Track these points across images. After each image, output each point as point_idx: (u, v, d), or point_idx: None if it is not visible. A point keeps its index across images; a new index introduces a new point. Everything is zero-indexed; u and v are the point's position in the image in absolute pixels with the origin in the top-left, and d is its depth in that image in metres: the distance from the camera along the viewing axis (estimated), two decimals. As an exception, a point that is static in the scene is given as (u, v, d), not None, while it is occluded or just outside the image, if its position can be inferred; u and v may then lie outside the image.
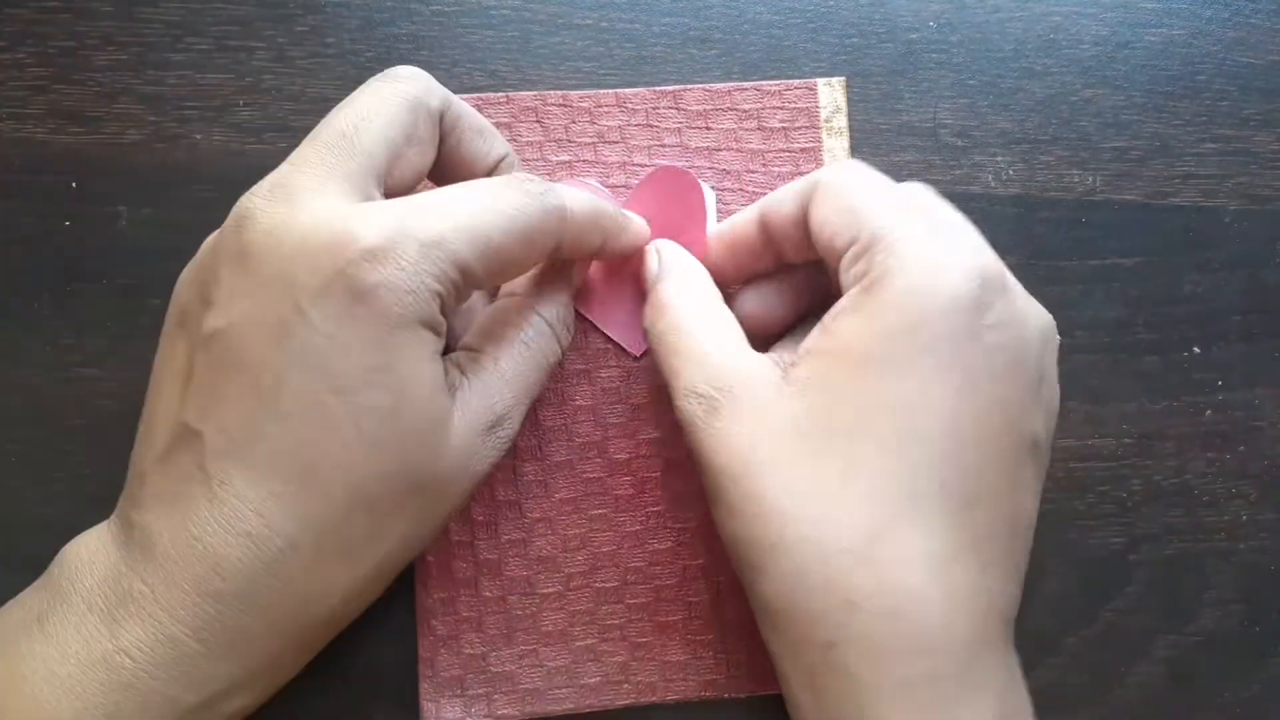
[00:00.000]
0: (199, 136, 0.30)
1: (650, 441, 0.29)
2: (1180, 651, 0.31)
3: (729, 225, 0.28)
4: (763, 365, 0.24)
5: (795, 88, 0.31)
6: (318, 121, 0.24)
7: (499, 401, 0.24)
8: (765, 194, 0.30)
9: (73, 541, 0.23)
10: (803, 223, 0.25)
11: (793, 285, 0.28)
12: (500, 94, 0.30)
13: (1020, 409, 0.23)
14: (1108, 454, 0.31)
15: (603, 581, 0.29)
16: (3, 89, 0.30)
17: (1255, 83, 0.33)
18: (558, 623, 0.29)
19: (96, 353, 0.29)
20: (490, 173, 0.27)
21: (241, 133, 0.30)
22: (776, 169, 0.31)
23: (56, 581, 0.22)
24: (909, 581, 0.21)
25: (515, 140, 0.30)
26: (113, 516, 0.23)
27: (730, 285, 0.28)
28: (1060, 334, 0.24)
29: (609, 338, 0.30)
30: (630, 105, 0.31)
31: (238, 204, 0.23)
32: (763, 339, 0.27)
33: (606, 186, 0.30)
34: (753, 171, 0.31)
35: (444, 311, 0.22)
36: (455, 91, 0.26)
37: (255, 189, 0.23)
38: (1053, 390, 0.24)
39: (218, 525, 0.21)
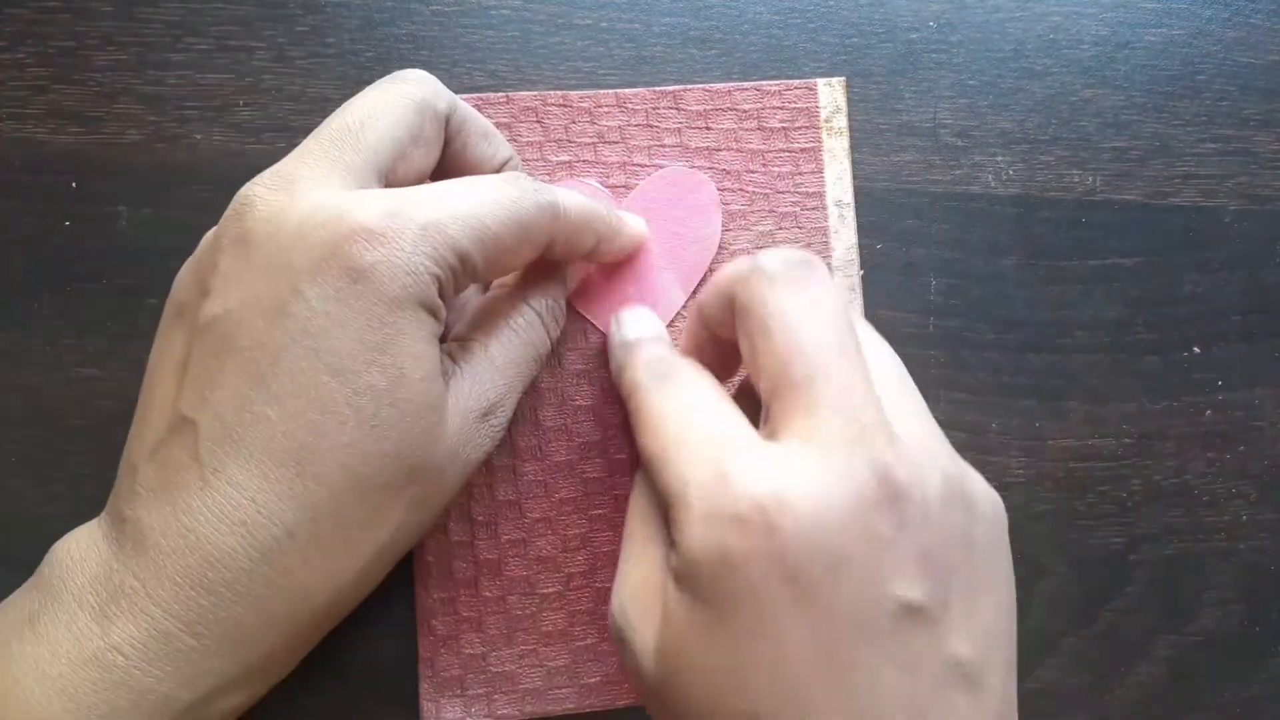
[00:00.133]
0: (199, 136, 0.30)
1: (650, 441, 0.29)
2: (1180, 651, 0.31)
3: (687, 336, 0.26)
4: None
5: (795, 88, 0.31)
6: (318, 121, 0.24)
7: (491, 389, 0.24)
8: (765, 194, 0.31)
9: (63, 539, 0.22)
10: (730, 315, 0.23)
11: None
12: (500, 94, 0.30)
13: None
14: (1108, 454, 0.31)
15: (603, 581, 0.29)
16: (3, 89, 0.30)
17: (1255, 83, 0.33)
18: (558, 623, 0.29)
19: (96, 353, 0.29)
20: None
21: (241, 133, 0.30)
22: (776, 169, 0.31)
23: (47, 580, 0.21)
24: None
25: (515, 140, 0.30)
26: (103, 513, 0.23)
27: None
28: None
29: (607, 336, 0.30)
30: (630, 105, 0.31)
31: (239, 193, 0.23)
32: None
33: (606, 186, 0.30)
34: (753, 171, 0.31)
35: (442, 296, 0.22)
36: (455, 91, 0.26)
37: (257, 178, 0.23)
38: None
39: (211, 515, 0.20)
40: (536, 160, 0.30)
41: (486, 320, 0.25)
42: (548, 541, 0.29)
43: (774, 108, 0.31)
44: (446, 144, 0.25)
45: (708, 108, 0.31)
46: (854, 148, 0.31)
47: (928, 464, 0.20)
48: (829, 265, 0.30)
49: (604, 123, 0.30)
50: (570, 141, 0.30)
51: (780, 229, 0.30)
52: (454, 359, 0.24)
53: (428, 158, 0.25)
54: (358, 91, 0.25)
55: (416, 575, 0.29)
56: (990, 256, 0.32)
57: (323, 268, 0.21)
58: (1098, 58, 0.33)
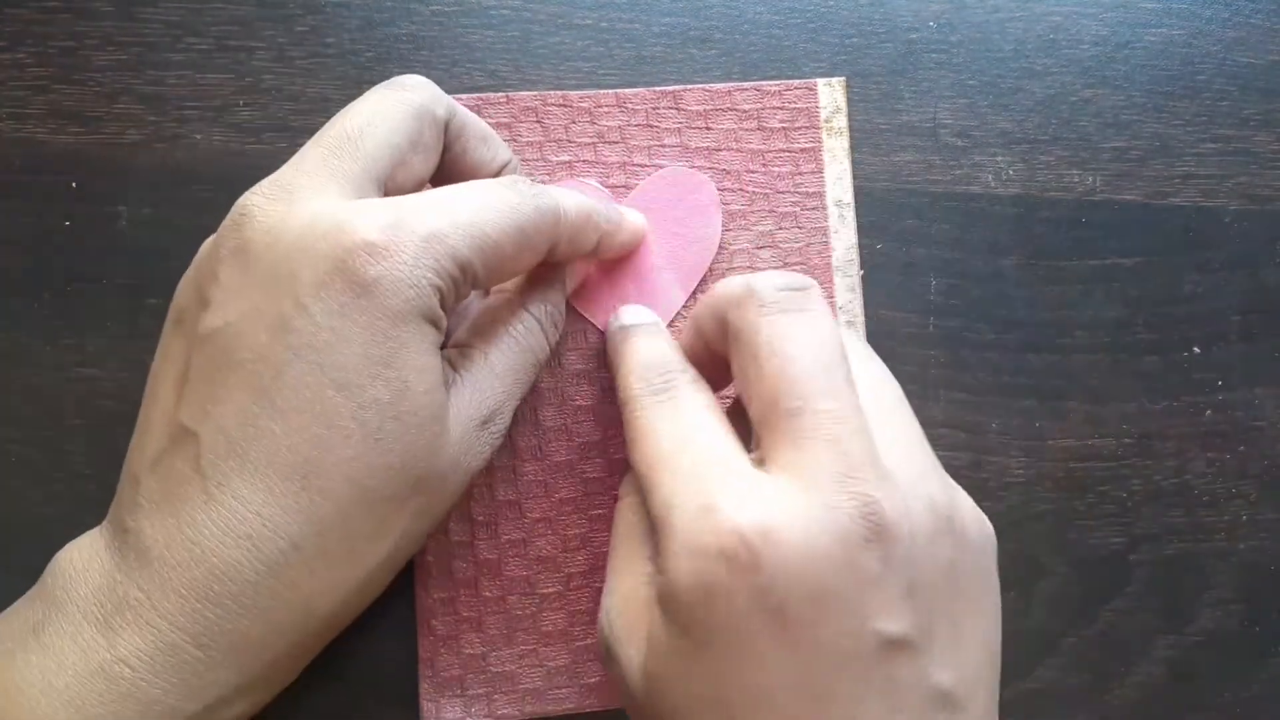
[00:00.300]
0: (199, 136, 0.30)
1: (650, 441, 0.29)
2: (1180, 651, 0.31)
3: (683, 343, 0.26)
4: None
5: (795, 88, 0.31)
6: (318, 122, 0.24)
7: (490, 396, 0.24)
8: (765, 194, 0.31)
9: (65, 549, 0.22)
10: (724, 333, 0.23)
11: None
12: (500, 94, 0.30)
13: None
14: (1108, 454, 0.31)
15: (602, 582, 0.29)
16: (3, 89, 0.30)
17: (1255, 83, 0.33)
18: (558, 623, 0.29)
19: (96, 353, 0.29)
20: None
21: (241, 133, 0.30)
22: (776, 169, 0.31)
23: (50, 590, 0.21)
24: None
25: (515, 140, 0.30)
26: (105, 522, 0.23)
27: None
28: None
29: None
30: (630, 105, 0.31)
31: (237, 203, 0.22)
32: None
33: (606, 186, 0.30)
34: (753, 171, 0.31)
35: (444, 307, 0.22)
36: (455, 92, 0.26)
37: (255, 188, 0.22)
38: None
39: (215, 528, 0.20)
40: (536, 160, 0.30)
41: (487, 327, 0.25)
42: (548, 541, 0.29)
43: (774, 108, 0.31)
44: (445, 149, 0.25)
45: (708, 108, 0.31)
46: (854, 148, 0.31)
47: (916, 498, 0.20)
48: (829, 265, 0.30)
49: (604, 123, 0.30)
50: (570, 141, 0.30)
51: (780, 229, 0.30)
52: (454, 366, 0.24)
53: (427, 164, 0.25)
54: (358, 92, 0.24)
55: (417, 575, 0.29)
56: (990, 256, 0.32)
57: (326, 282, 0.21)
58: (1098, 58, 0.33)
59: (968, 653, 0.20)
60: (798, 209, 0.31)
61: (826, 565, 0.19)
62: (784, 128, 0.31)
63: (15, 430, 0.29)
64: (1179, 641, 0.31)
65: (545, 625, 0.29)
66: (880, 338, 0.31)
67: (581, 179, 0.30)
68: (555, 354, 0.29)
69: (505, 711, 0.28)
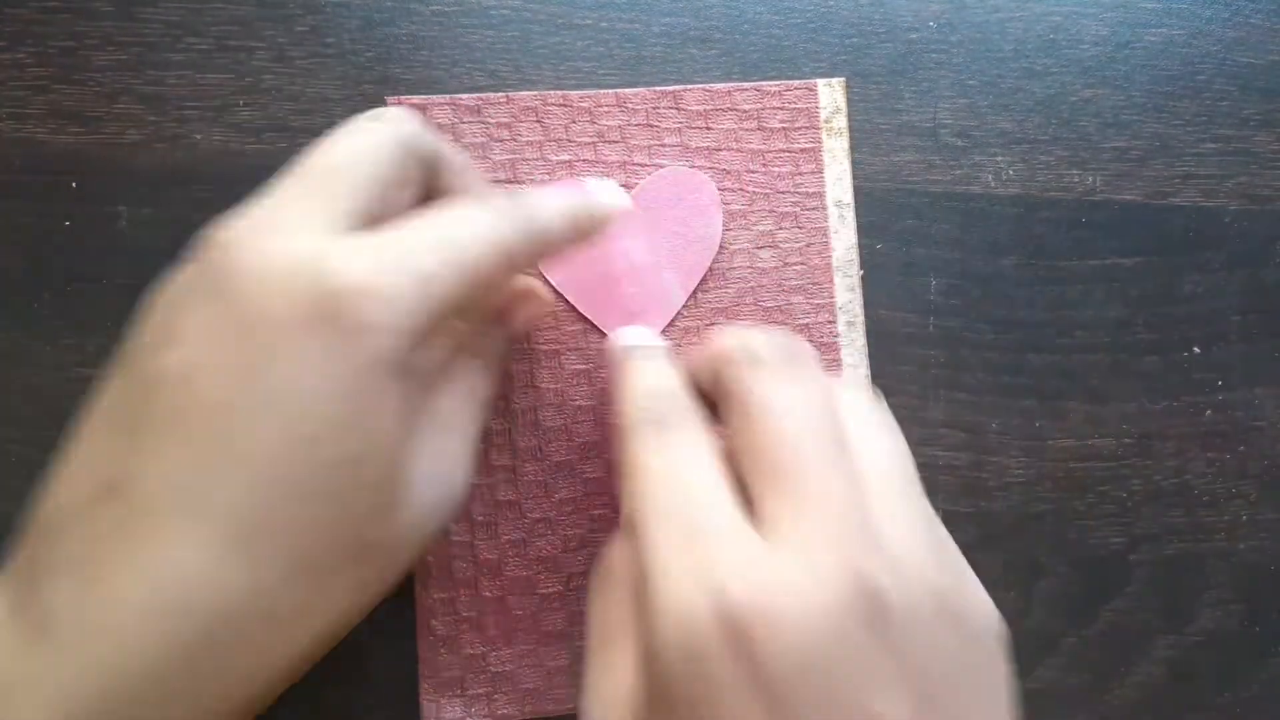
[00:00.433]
0: (199, 136, 0.30)
1: (650, 441, 0.29)
2: (1180, 651, 0.31)
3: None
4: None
5: (795, 88, 0.31)
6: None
7: (449, 452, 0.23)
8: (765, 194, 0.31)
9: None
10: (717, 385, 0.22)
11: None
12: (500, 94, 0.30)
13: None
14: (1108, 454, 0.31)
15: (603, 581, 0.29)
16: (3, 89, 0.30)
17: (1255, 83, 0.33)
18: (558, 623, 0.29)
19: (96, 353, 0.29)
20: None
21: (241, 133, 0.30)
22: (776, 169, 0.31)
23: None
24: None
25: (515, 140, 0.30)
26: (6, 574, 0.20)
27: None
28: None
29: (607, 336, 0.30)
30: (630, 105, 0.31)
31: (208, 234, 0.20)
32: None
33: (606, 186, 0.30)
34: (753, 171, 0.31)
35: (423, 344, 0.21)
36: (455, 92, 0.26)
37: (229, 220, 0.20)
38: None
39: (136, 594, 0.18)
40: (536, 160, 0.30)
41: (438, 380, 0.24)
42: (548, 542, 0.29)
43: (774, 108, 0.31)
44: (425, 180, 0.24)
45: (708, 108, 0.31)
46: (854, 148, 0.31)
47: (915, 575, 0.19)
48: (829, 265, 0.30)
49: (604, 122, 0.30)
50: (570, 141, 0.30)
51: (780, 229, 0.30)
52: (414, 421, 0.23)
53: (408, 198, 0.23)
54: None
55: (416, 575, 0.29)
56: (990, 256, 0.32)
57: (303, 326, 0.19)
58: (1098, 58, 0.33)
59: None
60: (798, 209, 0.31)
61: (820, 641, 0.17)
62: (784, 128, 0.31)
63: (15, 430, 0.29)
64: (1179, 641, 0.31)
65: (545, 625, 0.29)
66: (880, 338, 0.31)
67: (582, 179, 0.30)
68: (555, 354, 0.29)
69: (505, 711, 0.28)
